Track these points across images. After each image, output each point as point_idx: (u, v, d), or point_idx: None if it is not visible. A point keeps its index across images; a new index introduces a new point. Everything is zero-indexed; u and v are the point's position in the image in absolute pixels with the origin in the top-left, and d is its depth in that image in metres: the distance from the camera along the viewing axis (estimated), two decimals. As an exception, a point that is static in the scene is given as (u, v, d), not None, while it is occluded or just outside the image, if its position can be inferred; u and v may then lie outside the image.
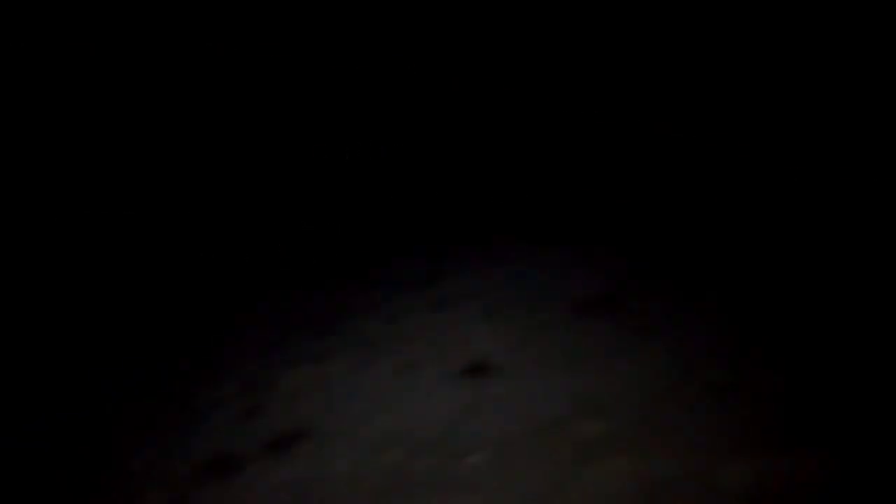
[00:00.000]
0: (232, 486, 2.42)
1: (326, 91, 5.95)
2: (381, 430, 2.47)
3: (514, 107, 5.62)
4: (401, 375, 2.83)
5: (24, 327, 4.33)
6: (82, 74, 5.65)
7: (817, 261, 2.79)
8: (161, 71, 5.78)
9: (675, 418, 1.90)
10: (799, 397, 1.90)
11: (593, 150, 4.97)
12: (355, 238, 4.70)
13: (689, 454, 1.74)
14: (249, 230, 5.20)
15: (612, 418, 1.99)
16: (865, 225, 2.97)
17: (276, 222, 5.26)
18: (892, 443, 1.70)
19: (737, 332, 2.41)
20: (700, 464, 1.69)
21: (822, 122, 4.11)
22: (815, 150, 3.87)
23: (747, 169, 3.98)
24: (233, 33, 5.86)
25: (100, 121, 5.75)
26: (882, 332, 2.14)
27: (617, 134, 4.99)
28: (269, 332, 3.59)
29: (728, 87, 4.76)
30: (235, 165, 5.80)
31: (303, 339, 3.40)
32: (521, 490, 1.90)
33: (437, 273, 3.82)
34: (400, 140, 5.75)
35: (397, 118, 5.84)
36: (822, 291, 2.54)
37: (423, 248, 4.21)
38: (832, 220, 3.09)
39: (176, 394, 3.18)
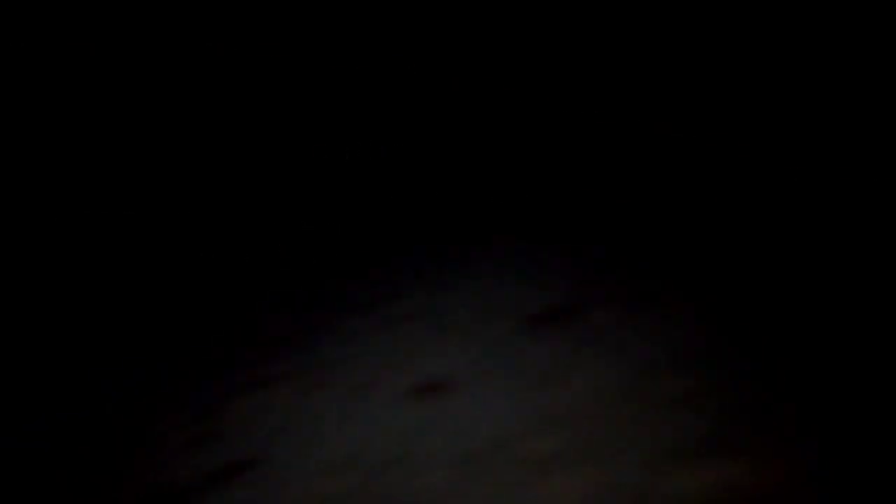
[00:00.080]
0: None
1: (324, 91, 5.96)
2: (335, 453, 2.44)
3: (514, 107, 5.63)
4: (354, 397, 2.80)
5: (24, 327, 4.35)
6: (82, 74, 5.68)
7: (783, 271, 2.80)
8: (162, 71, 5.80)
9: (632, 430, 1.93)
10: (758, 407, 1.93)
11: (566, 154, 4.97)
12: (305, 258, 4.62)
13: (646, 466, 1.78)
14: (231, 240, 5.21)
15: (567, 432, 2.01)
16: (837, 236, 2.99)
17: (263, 235, 5.27)
18: (851, 449, 1.73)
19: (697, 342, 2.41)
20: (658, 475, 1.72)
21: (813, 127, 4.12)
22: (799, 157, 3.87)
23: (731, 175, 3.98)
24: (233, 33, 5.88)
25: (100, 121, 5.78)
26: (844, 340, 2.16)
27: (594, 137, 4.99)
28: (216, 354, 3.54)
29: (726, 88, 4.77)
30: (222, 171, 5.82)
31: (254, 363, 3.35)
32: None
33: (390, 291, 3.78)
34: (392, 141, 5.76)
35: (397, 118, 5.85)
36: (785, 299, 2.55)
37: (378, 269, 4.15)
38: (804, 231, 3.09)
39: (122, 422, 3.12)
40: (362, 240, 4.58)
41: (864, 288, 2.54)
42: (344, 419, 2.63)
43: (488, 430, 2.17)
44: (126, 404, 3.27)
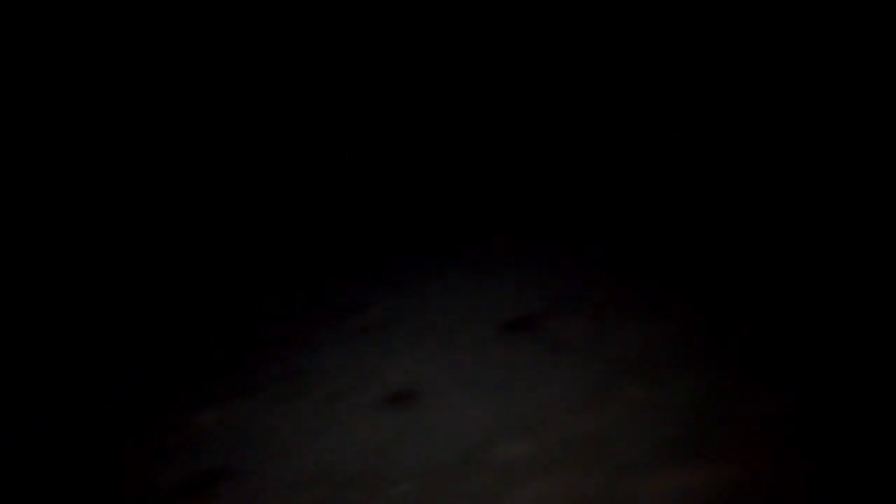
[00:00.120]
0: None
1: (323, 91, 5.97)
2: (304, 465, 2.42)
3: (514, 107, 5.63)
4: (323, 408, 2.78)
5: (24, 327, 4.33)
6: (82, 74, 5.70)
7: (783, 271, 2.78)
8: (161, 71, 5.82)
9: (601, 436, 1.95)
10: (726, 411, 1.95)
11: (566, 154, 4.95)
12: (278, 265, 4.53)
13: (615, 472, 1.80)
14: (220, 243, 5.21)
15: (537, 439, 2.03)
16: (837, 236, 2.97)
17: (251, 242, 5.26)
18: (823, 452, 1.74)
19: (666, 347, 2.42)
20: (627, 481, 1.75)
21: (813, 127, 4.12)
22: (799, 157, 3.86)
23: (730, 175, 3.96)
24: (233, 33, 5.89)
25: (100, 121, 5.79)
26: (840, 343, 2.16)
27: (594, 137, 4.99)
28: (183, 366, 3.50)
29: (726, 88, 4.78)
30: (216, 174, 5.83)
31: (221, 374, 3.31)
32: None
33: (364, 298, 3.72)
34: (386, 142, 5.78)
35: (396, 118, 5.86)
36: (785, 299, 2.54)
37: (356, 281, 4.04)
38: (804, 231, 3.07)
39: (122, 422, 3.09)
40: (343, 246, 4.57)
41: (865, 287, 2.55)
42: (312, 432, 2.61)
43: (458, 439, 2.19)
44: (126, 404, 3.26)
